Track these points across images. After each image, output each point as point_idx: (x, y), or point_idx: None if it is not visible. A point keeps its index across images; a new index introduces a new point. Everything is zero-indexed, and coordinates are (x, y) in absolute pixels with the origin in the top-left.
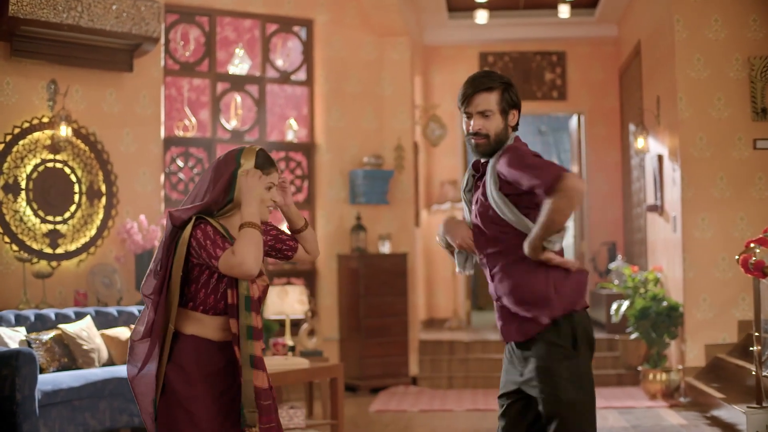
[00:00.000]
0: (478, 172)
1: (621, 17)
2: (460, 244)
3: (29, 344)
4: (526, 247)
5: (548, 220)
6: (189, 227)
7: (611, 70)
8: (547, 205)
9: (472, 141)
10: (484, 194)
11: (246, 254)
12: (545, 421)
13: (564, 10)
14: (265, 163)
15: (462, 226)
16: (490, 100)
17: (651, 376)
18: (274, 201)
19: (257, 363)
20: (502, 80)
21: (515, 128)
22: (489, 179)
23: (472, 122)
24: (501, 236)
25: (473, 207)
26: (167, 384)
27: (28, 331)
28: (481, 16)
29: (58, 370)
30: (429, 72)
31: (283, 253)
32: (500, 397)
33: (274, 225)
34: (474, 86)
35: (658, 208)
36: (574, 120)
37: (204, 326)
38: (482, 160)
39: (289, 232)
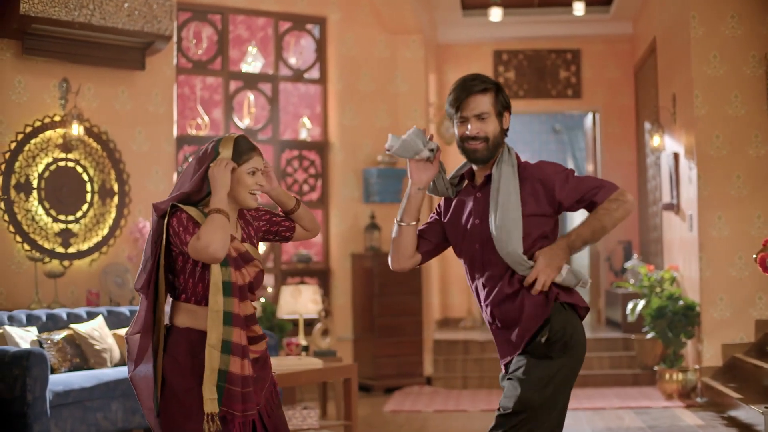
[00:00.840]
0: (470, 181)
1: (636, 14)
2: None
3: (41, 344)
4: (562, 246)
5: (600, 223)
6: (167, 216)
7: (626, 68)
8: (602, 210)
9: (469, 146)
10: (484, 209)
11: (211, 238)
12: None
13: (579, 8)
14: (243, 150)
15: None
16: (485, 102)
17: (667, 376)
18: (260, 185)
19: (234, 349)
20: (494, 82)
21: (506, 133)
22: (510, 190)
23: (469, 126)
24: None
25: (468, 219)
26: (164, 378)
27: (40, 331)
28: (496, 14)
29: (69, 370)
30: (443, 70)
31: (281, 234)
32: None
33: (266, 209)
34: (467, 89)
35: (674, 207)
36: (589, 118)
37: (196, 317)
38: (475, 168)
39: (282, 215)
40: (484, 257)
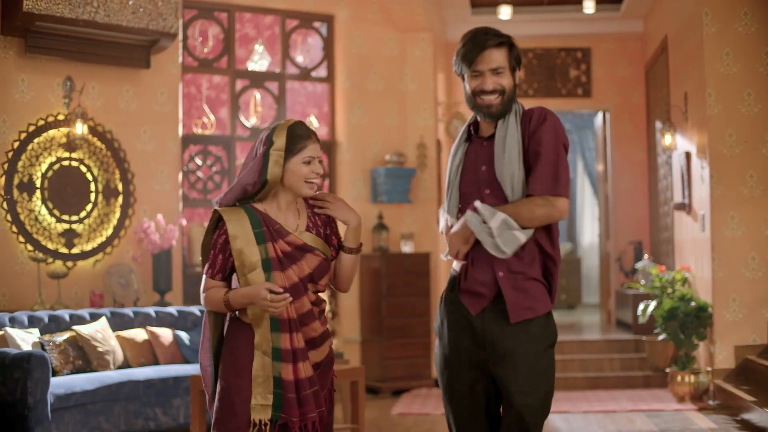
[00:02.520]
0: (475, 134)
1: (647, 12)
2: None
3: (42, 346)
4: (483, 217)
5: (517, 210)
6: (215, 219)
7: (637, 67)
8: (528, 202)
9: (483, 101)
10: (490, 160)
11: (204, 303)
12: (506, 405)
13: (589, 6)
14: (297, 138)
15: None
16: (501, 56)
17: (679, 378)
18: (317, 173)
19: (284, 356)
20: (507, 36)
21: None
22: (513, 145)
23: (486, 80)
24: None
25: (476, 166)
26: (221, 369)
27: (42, 332)
28: (505, 12)
29: (72, 372)
30: (452, 69)
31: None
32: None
33: (335, 227)
34: (482, 43)
35: (685, 207)
36: (599, 117)
37: None
38: (487, 121)
39: (336, 245)
40: (495, 204)
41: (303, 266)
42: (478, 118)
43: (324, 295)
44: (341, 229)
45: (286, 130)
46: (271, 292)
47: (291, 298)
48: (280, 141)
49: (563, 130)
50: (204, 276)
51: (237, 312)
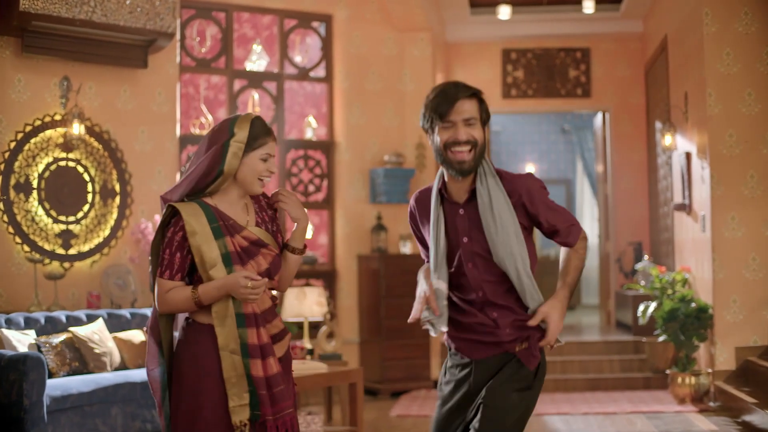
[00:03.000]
0: (447, 199)
1: (647, 12)
2: (425, 295)
3: (39, 348)
4: (554, 305)
5: (582, 265)
6: (167, 215)
7: (637, 67)
8: (575, 260)
9: (455, 155)
10: (475, 225)
11: (164, 307)
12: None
13: (588, 6)
14: (259, 133)
15: (426, 279)
16: (473, 107)
17: (680, 379)
18: (270, 171)
19: (252, 351)
20: (477, 89)
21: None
22: (502, 206)
23: (459, 131)
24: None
25: (455, 237)
26: (180, 375)
27: (38, 334)
28: (504, 12)
29: (68, 374)
30: (451, 69)
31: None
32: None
33: (278, 223)
34: (453, 94)
35: (686, 207)
36: (598, 118)
37: None
38: (447, 179)
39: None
40: (477, 276)
41: (260, 261)
42: (446, 178)
43: (321, 297)
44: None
45: (250, 123)
46: (250, 280)
47: (267, 281)
48: (242, 133)
49: (540, 182)
50: (158, 279)
51: (192, 315)
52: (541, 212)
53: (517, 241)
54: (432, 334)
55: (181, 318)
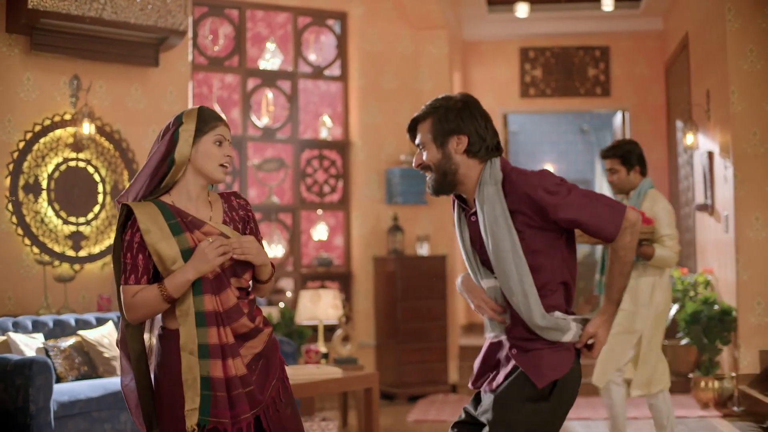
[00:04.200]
0: (467, 207)
1: (667, 9)
2: (476, 306)
3: (47, 352)
4: (601, 324)
5: (629, 265)
6: (122, 217)
7: (657, 65)
8: (617, 265)
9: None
10: (479, 240)
11: (134, 313)
12: None
13: (608, 3)
14: (207, 119)
15: (474, 284)
16: (423, 129)
17: (702, 383)
18: (228, 156)
19: (212, 352)
20: (433, 107)
21: (479, 154)
22: (496, 219)
23: (415, 156)
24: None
25: (471, 241)
26: (159, 388)
27: (46, 337)
28: (522, 10)
29: (77, 379)
30: (468, 67)
31: None
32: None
33: (255, 225)
34: (410, 124)
35: (708, 208)
36: (618, 117)
37: None
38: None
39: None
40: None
41: (235, 244)
42: None
43: (336, 299)
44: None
45: (197, 110)
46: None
47: (225, 240)
48: (190, 121)
49: (551, 181)
50: (123, 285)
51: (163, 321)
52: (559, 214)
53: (513, 256)
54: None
55: (156, 327)
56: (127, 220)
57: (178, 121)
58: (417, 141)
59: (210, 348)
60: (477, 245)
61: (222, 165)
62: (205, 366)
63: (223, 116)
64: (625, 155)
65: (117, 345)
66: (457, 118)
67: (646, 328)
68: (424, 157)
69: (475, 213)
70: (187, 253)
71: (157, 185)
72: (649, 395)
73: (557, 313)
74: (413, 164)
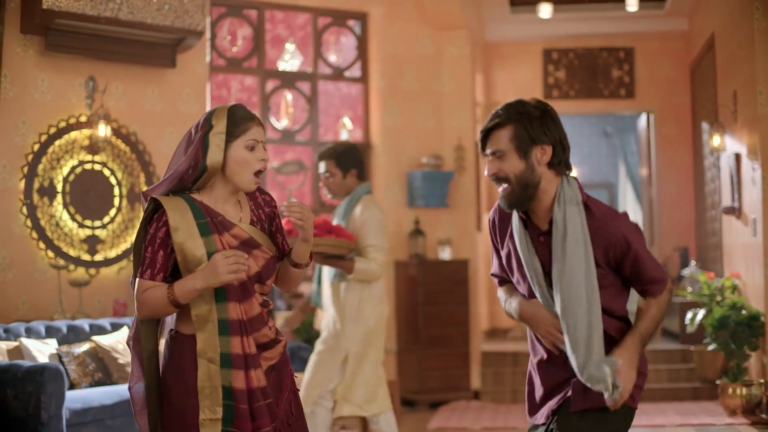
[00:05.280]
0: (529, 224)
1: (692, 9)
2: (545, 334)
3: (60, 358)
4: (630, 346)
5: (654, 327)
6: (149, 210)
7: (682, 66)
8: (654, 309)
9: (498, 187)
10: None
11: (141, 310)
12: None
13: (632, 3)
14: (239, 120)
15: (542, 311)
16: (502, 137)
17: (730, 390)
18: (263, 160)
19: (235, 362)
20: (516, 113)
21: (558, 167)
22: (577, 239)
23: (488, 164)
24: None
25: (533, 262)
26: (167, 393)
27: (60, 343)
28: (545, 11)
29: (91, 385)
30: (490, 69)
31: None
32: None
33: (281, 218)
34: (485, 126)
35: (735, 211)
36: (642, 119)
37: None
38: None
39: (285, 247)
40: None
41: (251, 264)
42: None
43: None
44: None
45: (227, 111)
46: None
47: (246, 255)
48: (220, 123)
49: (637, 228)
50: (138, 279)
51: (176, 324)
52: (629, 263)
53: (586, 283)
54: None
55: (166, 330)
56: (153, 213)
57: (208, 123)
58: (493, 149)
59: (233, 357)
60: (534, 260)
61: (256, 173)
62: (227, 376)
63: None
64: (341, 157)
65: (128, 343)
66: (543, 126)
67: (353, 345)
68: (503, 167)
69: (546, 233)
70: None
71: (188, 186)
72: (371, 418)
73: (606, 369)
74: (487, 173)
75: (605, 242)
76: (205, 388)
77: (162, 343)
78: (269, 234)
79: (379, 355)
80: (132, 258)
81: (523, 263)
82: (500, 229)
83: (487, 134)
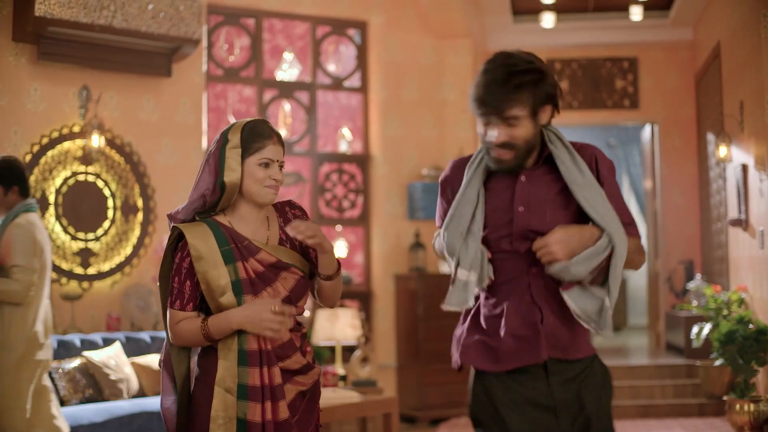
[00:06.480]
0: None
1: (697, 19)
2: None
3: (50, 374)
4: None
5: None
6: (173, 238)
7: (687, 76)
8: (635, 246)
9: (493, 152)
10: (538, 195)
11: (176, 340)
12: None
13: (636, 12)
14: (255, 137)
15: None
16: (517, 103)
17: (738, 406)
18: (275, 179)
19: (251, 394)
20: (534, 71)
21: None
22: (576, 165)
23: (493, 131)
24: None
25: (516, 208)
26: (194, 408)
27: None
28: (548, 20)
29: (81, 402)
30: None
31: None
32: None
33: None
34: (495, 90)
35: (742, 223)
36: (646, 130)
37: None
38: None
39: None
40: (532, 258)
41: (278, 288)
42: None
43: (355, 319)
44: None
45: (243, 126)
46: (277, 312)
47: (293, 311)
48: (235, 138)
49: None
50: (169, 309)
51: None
52: (605, 188)
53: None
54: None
55: (198, 348)
56: (178, 241)
57: (224, 137)
58: (507, 115)
59: (249, 389)
60: (517, 207)
61: (267, 186)
62: (243, 408)
63: (277, 131)
64: (2, 174)
65: (159, 365)
66: (549, 86)
67: (2, 376)
68: (514, 133)
69: (526, 173)
70: (236, 285)
71: (214, 206)
72: None
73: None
74: (495, 140)
75: (595, 166)
76: (218, 418)
77: (194, 360)
78: (302, 249)
79: (30, 383)
80: (159, 284)
81: (466, 207)
82: (455, 185)
83: (502, 96)
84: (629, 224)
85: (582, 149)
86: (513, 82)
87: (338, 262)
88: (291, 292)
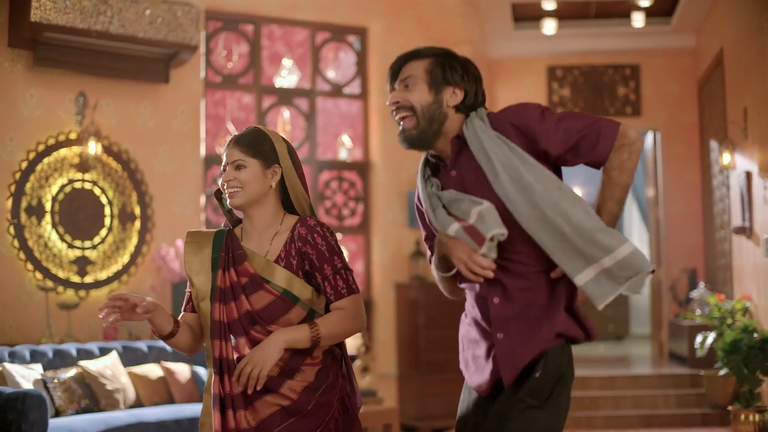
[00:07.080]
0: (440, 160)
1: (700, 25)
2: (461, 256)
3: (45, 384)
4: (597, 225)
5: (623, 187)
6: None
7: (689, 83)
8: (616, 171)
9: (398, 119)
10: (471, 179)
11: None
12: None
13: (638, 19)
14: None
15: (461, 242)
16: (417, 66)
17: (742, 416)
18: (227, 182)
19: (213, 401)
20: (439, 50)
21: (465, 111)
22: (492, 143)
23: (392, 94)
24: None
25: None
26: None
27: (45, 368)
28: (549, 26)
29: (77, 413)
30: (493, 86)
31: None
32: None
33: (330, 260)
34: (402, 57)
35: (746, 230)
36: (649, 137)
37: None
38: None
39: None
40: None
41: (243, 301)
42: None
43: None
44: None
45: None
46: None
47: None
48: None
49: (537, 106)
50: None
51: None
52: (542, 137)
53: (537, 178)
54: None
55: None
56: None
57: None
58: (403, 77)
59: (212, 397)
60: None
61: (227, 190)
62: (209, 415)
63: (232, 132)
64: None
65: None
66: (462, 70)
67: None
68: (412, 97)
69: (453, 164)
70: (212, 292)
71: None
72: None
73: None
74: (388, 101)
75: (512, 132)
76: (205, 424)
77: None
78: (306, 274)
79: None
80: None
81: (428, 216)
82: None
83: (401, 64)
84: (597, 139)
85: (496, 120)
86: (421, 50)
87: (314, 335)
88: (262, 310)
